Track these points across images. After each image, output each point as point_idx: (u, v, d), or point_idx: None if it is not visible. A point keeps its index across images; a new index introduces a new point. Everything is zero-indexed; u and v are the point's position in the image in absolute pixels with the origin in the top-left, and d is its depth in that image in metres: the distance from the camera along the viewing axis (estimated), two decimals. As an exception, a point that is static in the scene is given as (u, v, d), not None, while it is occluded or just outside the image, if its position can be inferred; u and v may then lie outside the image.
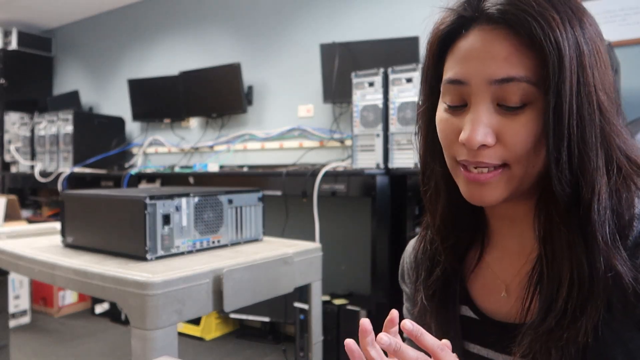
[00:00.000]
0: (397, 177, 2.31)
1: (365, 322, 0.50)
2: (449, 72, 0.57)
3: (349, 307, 2.51)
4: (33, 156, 4.00)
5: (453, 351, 0.64)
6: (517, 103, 0.52)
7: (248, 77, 3.37)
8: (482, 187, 0.56)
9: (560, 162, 0.51)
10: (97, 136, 3.80)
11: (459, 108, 0.56)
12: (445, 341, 0.52)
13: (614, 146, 0.53)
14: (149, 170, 3.34)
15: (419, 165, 0.68)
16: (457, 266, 0.66)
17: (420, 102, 0.65)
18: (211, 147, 3.60)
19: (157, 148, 3.94)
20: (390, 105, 2.30)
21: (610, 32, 2.17)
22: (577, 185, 0.52)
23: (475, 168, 0.55)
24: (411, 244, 0.77)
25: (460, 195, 0.63)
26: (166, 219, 1.17)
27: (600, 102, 0.52)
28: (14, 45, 4.49)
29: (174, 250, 1.19)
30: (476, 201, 0.57)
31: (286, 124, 3.25)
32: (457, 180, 0.59)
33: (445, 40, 0.58)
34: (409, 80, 2.25)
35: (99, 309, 3.55)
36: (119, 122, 4.05)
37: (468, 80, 0.54)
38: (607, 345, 0.51)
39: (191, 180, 3.02)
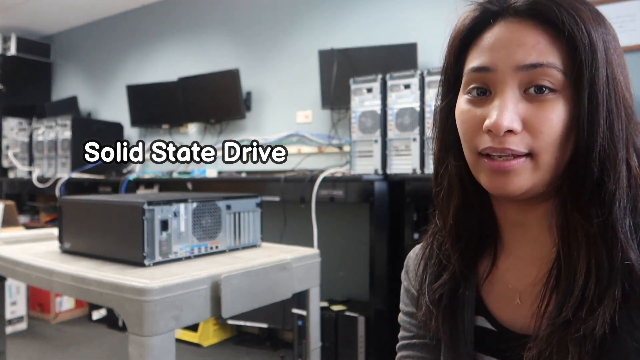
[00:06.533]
0: (396, 183, 2.32)
1: None
2: (473, 62, 0.57)
3: (347, 313, 2.51)
4: (31, 162, 4.00)
5: None
6: (548, 87, 0.52)
7: (247, 83, 3.37)
8: (505, 176, 0.54)
9: (593, 152, 0.52)
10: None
11: (482, 98, 0.56)
12: None
13: (631, 143, 0.54)
14: (147, 176, 3.34)
15: (432, 167, 0.67)
16: (466, 272, 0.64)
17: (439, 101, 0.64)
18: (209, 152, 3.60)
19: (155, 154, 3.94)
20: (389, 112, 2.31)
21: (607, 39, 2.18)
22: (601, 177, 0.52)
23: (500, 157, 0.54)
24: (417, 247, 0.76)
25: (474, 196, 0.62)
26: (164, 225, 1.17)
27: (625, 98, 0.54)
28: (12, 51, 4.50)
29: (172, 256, 1.19)
30: (499, 191, 0.56)
31: (285, 129, 3.26)
32: (478, 173, 0.58)
33: (468, 35, 0.58)
34: (407, 86, 2.26)
35: (96, 315, 3.53)
36: (117, 128, 4.05)
37: (494, 67, 0.54)
38: (624, 339, 0.51)
39: (189, 186, 3.02)
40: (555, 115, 0.52)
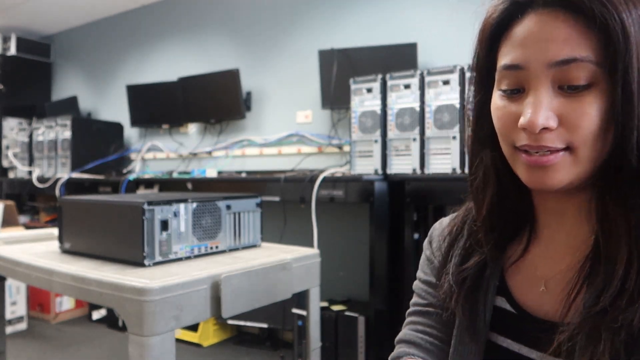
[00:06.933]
0: (396, 183, 2.32)
1: None
2: (504, 58, 0.56)
3: (347, 313, 2.51)
4: (31, 162, 4.00)
5: (477, 341, 0.62)
6: (582, 82, 0.51)
7: (247, 83, 3.37)
8: (544, 171, 0.54)
9: (630, 142, 0.51)
10: (96, 142, 3.80)
11: (517, 94, 0.55)
12: None
13: None
14: (147, 176, 3.34)
15: (466, 155, 0.67)
16: (497, 257, 0.64)
17: (472, 93, 0.64)
18: (209, 152, 3.61)
19: (155, 154, 3.94)
20: (389, 112, 2.31)
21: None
22: None
23: (537, 152, 0.54)
24: (445, 220, 0.75)
25: (510, 185, 0.62)
26: (164, 225, 1.17)
27: None
28: (12, 51, 4.50)
29: (172, 256, 1.19)
30: (538, 186, 0.56)
31: (284, 129, 3.26)
32: (516, 166, 0.58)
33: (497, 28, 0.57)
34: (407, 86, 2.26)
35: (96, 315, 3.53)
36: (117, 128, 4.05)
37: (526, 65, 0.54)
38: None
39: (189, 186, 3.02)
40: (592, 109, 0.51)
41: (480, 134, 0.63)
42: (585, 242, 0.57)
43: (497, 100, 0.58)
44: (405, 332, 0.72)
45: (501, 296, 0.64)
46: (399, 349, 0.70)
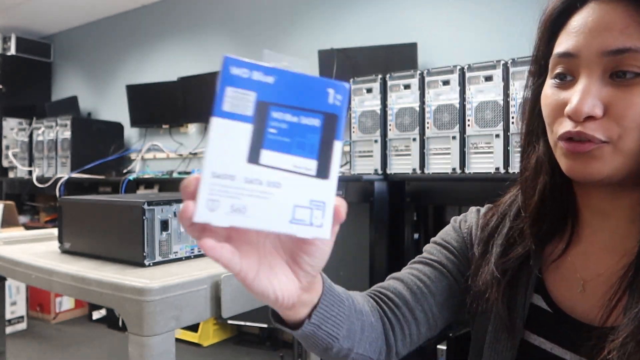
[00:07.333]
0: (396, 183, 2.31)
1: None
2: (558, 47, 0.56)
3: (347, 313, 2.50)
4: (31, 162, 4.00)
5: (513, 338, 0.61)
6: (635, 70, 0.50)
7: (246, 83, 3.37)
8: (583, 159, 0.53)
9: None
10: (96, 142, 3.80)
11: (567, 83, 0.55)
12: None
13: None
14: (147, 176, 3.34)
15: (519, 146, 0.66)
16: (538, 251, 0.63)
17: (530, 85, 0.63)
18: (209, 152, 3.60)
19: (155, 154, 3.94)
20: (389, 112, 2.31)
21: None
22: None
23: (578, 140, 0.53)
24: (483, 209, 0.74)
25: (560, 179, 0.60)
26: (164, 225, 1.17)
27: None
28: (12, 50, 4.50)
29: (172, 256, 1.19)
30: (577, 175, 0.54)
31: (284, 129, 3.26)
32: (558, 156, 0.57)
33: (558, 18, 0.57)
34: (407, 86, 2.26)
35: (96, 315, 3.54)
36: (117, 128, 4.05)
37: (578, 53, 0.53)
38: None
39: (189, 186, 3.02)
40: None
41: (534, 125, 0.62)
42: (632, 246, 0.55)
43: (547, 88, 0.58)
44: (400, 271, 0.71)
45: (537, 294, 0.63)
46: (386, 281, 0.70)
